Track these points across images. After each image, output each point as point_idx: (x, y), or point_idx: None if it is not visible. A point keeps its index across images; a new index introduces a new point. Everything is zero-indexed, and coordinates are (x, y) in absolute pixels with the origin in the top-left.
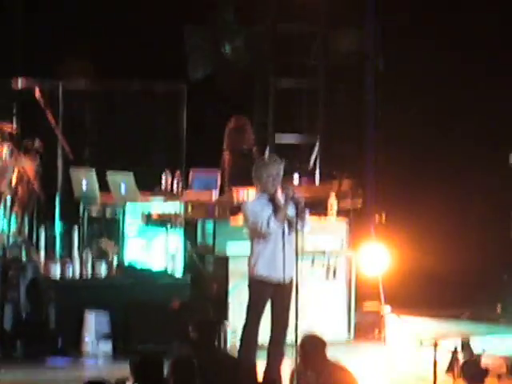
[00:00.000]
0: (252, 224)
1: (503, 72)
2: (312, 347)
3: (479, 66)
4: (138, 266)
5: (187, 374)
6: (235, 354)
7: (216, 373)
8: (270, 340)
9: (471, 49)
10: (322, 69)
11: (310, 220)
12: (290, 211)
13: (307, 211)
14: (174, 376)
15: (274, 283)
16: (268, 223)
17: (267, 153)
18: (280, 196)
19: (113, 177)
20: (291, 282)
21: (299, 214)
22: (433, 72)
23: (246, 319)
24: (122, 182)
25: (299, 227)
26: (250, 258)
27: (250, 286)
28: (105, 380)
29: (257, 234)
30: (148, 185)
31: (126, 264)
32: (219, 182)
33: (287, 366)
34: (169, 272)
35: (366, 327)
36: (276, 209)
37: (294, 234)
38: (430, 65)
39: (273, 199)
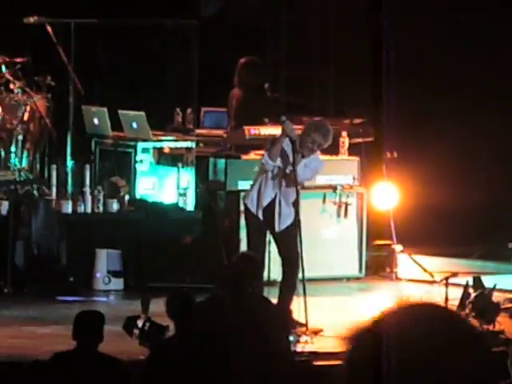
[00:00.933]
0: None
1: None
2: (245, 265)
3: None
4: (150, 201)
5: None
6: None
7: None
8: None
9: None
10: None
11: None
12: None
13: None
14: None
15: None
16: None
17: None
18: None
19: (125, 116)
20: (286, 231)
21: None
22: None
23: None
24: (134, 121)
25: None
26: (249, 191)
27: (245, 217)
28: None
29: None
30: (159, 123)
31: (138, 198)
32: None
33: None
34: (180, 206)
35: (377, 264)
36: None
37: (290, 189)
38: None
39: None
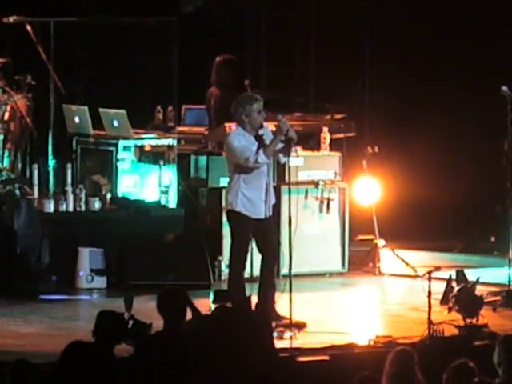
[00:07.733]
0: (240, 157)
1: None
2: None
3: None
4: (131, 199)
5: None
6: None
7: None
8: (261, 274)
9: None
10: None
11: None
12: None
13: (296, 148)
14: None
15: (255, 219)
16: (257, 158)
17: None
18: (267, 131)
19: (105, 114)
20: (271, 217)
21: (288, 151)
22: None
23: (231, 254)
24: (115, 119)
25: (282, 161)
26: (228, 193)
27: (229, 220)
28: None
29: (243, 168)
30: (140, 121)
31: (119, 196)
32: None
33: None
34: (162, 204)
35: (360, 260)
36: (262, 144)
37: (271, 169)
38: None
39: (258, 135)
